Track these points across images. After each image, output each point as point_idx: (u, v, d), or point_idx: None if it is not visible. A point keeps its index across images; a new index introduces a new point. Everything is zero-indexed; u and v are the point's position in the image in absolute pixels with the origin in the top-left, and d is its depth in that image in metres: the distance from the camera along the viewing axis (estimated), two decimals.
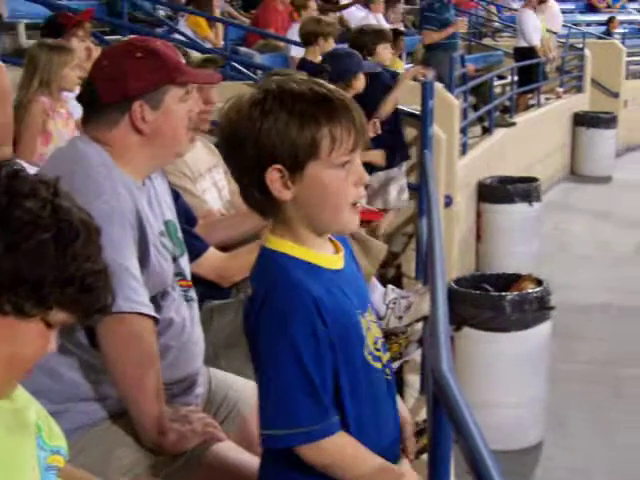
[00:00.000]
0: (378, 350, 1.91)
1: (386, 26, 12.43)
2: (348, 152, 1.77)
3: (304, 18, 8.59)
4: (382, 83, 5.91)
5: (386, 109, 5.73)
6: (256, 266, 1.86)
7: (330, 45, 6.69)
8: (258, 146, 1.74)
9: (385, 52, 6.36)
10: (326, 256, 1.86)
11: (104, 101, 2.42)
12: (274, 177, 1.75)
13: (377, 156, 5.59)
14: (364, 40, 6.32)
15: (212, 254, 3.12)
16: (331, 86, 1.81)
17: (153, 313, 2.31)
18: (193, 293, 2.60)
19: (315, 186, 1.77)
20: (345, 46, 6.21)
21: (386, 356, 1.96)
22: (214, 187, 3.66)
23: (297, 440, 1.78)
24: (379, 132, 5.13)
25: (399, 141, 5.96)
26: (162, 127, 2.43)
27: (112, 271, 1.52)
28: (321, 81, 1.82)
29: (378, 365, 1.91)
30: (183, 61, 2.52)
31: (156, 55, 2.45)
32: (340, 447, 1.82)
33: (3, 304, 1.40)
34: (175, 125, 2.45)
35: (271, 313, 1.76)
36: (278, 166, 1.74)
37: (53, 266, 1.40)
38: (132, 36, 3.74)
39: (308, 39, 6.84)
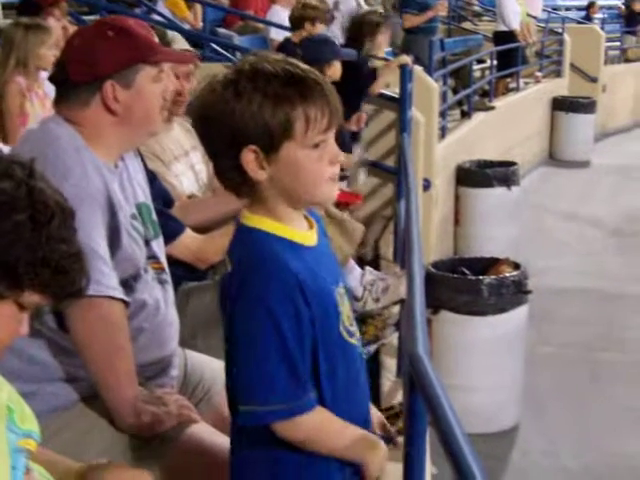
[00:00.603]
0: (352, 325, 1.92)
1: (365, 8, 12.41)
2: (322, 132, 1.77)
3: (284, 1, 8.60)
4: (363, 71, 5.91)
5: (374, 93, 5.79)
6: (234, 243, 1.85)
7: (317, 29, 6.69)
8: (232, 128, 1.73)
9: (385, 40, 6.44)
10: (302, 233, 1.86)
11: (75, 81, 2.40)
12: (249, 158, 1.75)
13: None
14: (364, 28, 6.37)
15: (188, 236, 3.11)
16: (305, 66, 1.80)
17: (122, 296, 2.30)
18: (167, 276, 2.59)
19: (290, 166, 1.77)
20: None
21: (358, 332, 1.96)
22: (190, 170, 3.63)
23: (276, 416, 1.77)
24: (363, 126, 5.15)
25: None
26: (134, 107, 2.41)
27: None
28: (295, 61, 1.81)
29: (353, 341, 1.91)
30: (156, 40, 2.49)
31: (128, 34, 2.43)
32: (317, 423, 1.82)
33: None
34: (148, 105, 2.43)
35: (252, 291, 1.75)
36: (253, 147, 1.74)
37: (28, 247, 1.38)
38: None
39: (296, 24, 6.87)
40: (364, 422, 1.98)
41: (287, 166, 1.76)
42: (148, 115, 2.44)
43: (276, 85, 1.73)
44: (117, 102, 2.40)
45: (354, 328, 1.93)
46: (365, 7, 12.80)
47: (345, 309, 1.89)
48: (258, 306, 1.73)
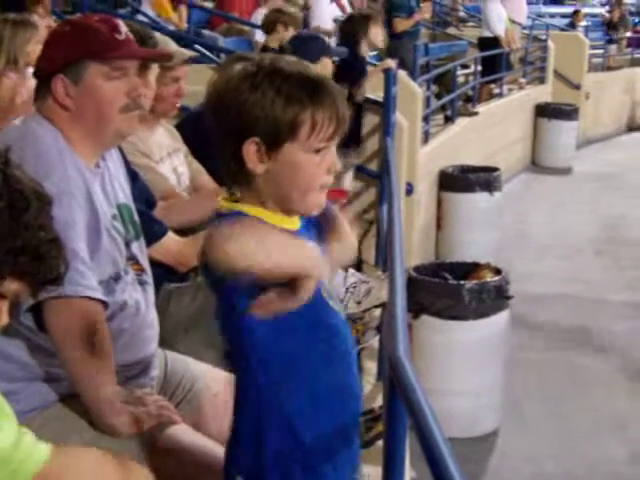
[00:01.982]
0: (331, 298, 1.91)
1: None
2: (326, 139, 1.79)
3: (270, 4, 8.64)
4: (354, 69, 5.93)
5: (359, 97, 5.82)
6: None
7: (289, 33, 6.77)
8: (241, 117, 1.76)
9: (379, 34, 6.45)
10: (286, 220, 1.85)
11: (36, 76, 2.44)
12: (251, 149, 1.77)
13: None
14: (355, 23, 6.41)
15: (170, 238, 3.10)
16: (319, 73, 1.84)
17: (100, 296, 2.29)
18: (147, 277, 2.58)
19: (288, 166, 1.79)
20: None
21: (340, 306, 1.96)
22: (173, 173, 3.63)
23: None
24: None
25: (358, 127, 6.00)
26: (85, 104, 2.39)
27: None
28: (311, 67, 1.84)
29: (333, 305, 1.90)
30: (121, 38, 2.43)
31: (81, 29, 2.42)
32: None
33: None
34: (99, 102, 2.40)
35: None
36: (256, 139, 1.77)
37: (6, 235, 1.38)
38: None
39: (269, 27, 7.02)
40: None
41: (285, 165, 1.79)
42: (101, 114, 2.40)
43: (291, 85, 1.77)
44: (69, 98, 2.39)
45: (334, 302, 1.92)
46: (349, 11, 12.84)
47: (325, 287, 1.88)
48: None
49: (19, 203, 1.40)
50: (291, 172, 1.79)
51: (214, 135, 1.84)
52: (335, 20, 9.59)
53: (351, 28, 6.48)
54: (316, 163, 1.80)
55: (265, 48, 6.79)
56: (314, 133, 1.78)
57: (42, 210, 1.44)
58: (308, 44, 5.23)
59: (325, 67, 5.22)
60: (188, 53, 3.76)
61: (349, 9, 12.76)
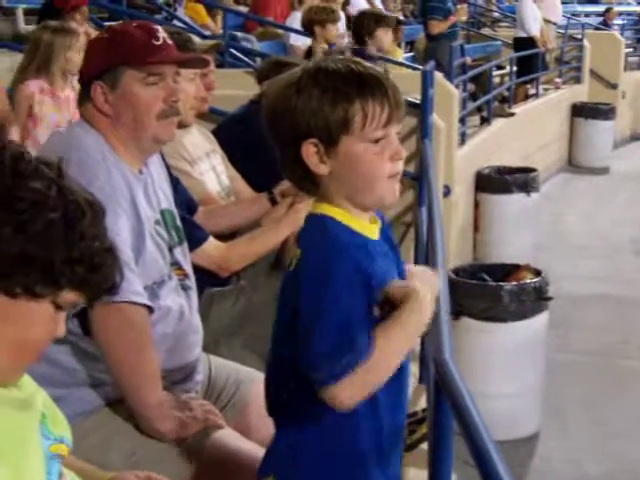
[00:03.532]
0: None
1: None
2: (382, 127, 1.78)
3: (305, 7, 8.62)
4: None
5: None
6: (302, 231, 1.86)
7: (328, 31, 6.72)
8: (294, 123, 1.77)
9: (385, 37, 6.37)
10: (365, 224, 1.85)
11: (79, 82, 2.45)
12: (310, 152, 1.78)
13: None
14: (364, 22, 6.33)
15: (211, 244, 3.10)
16: (367, 63, 1.83)
17: (146, 301, 2.30)
18: (191, 282, 2.59)
19: (349, 161, 1.79)
20: None
21: None
22: (212, 171, 3.64)
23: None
24: None
25: None
26: (122, 109, 2.41)
27: None
28: (358, 59, 1.85)
29: None
30: (158, 43, 2.43)
31: (118, 36, 2.43)
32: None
33: (14, 287, 1.39)
34: (136, 108, 2.41)
35: (318, 274, 1.72)
36: (314, 140, 1.77)
37: (62, 246, 1.39)
38: None
39: (308, 30, 6.91)
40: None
41: (346, 160, 1.78)
42: (137, 119, 2.41)
43: (335, 81, 1.77)
44: (108, 104, 2.41)
45: None
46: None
47: None
48: (323, 290, 1.71)
49: (74, 213, 1.42)
50: (353, 165, 1.79)
51: (274, 145, 1.84)
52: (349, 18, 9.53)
53: (359, 27, 6.44)
54: (377, 152, 1.79)
55: (310, 51, 6.74)
56: (367, 123, 1.76)
57: (96, 219, 1.46)
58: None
59: None
60: (208, 43, 3.76)
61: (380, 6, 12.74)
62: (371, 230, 1.86)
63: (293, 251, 1.86)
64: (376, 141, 1.78)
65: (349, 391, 1.69)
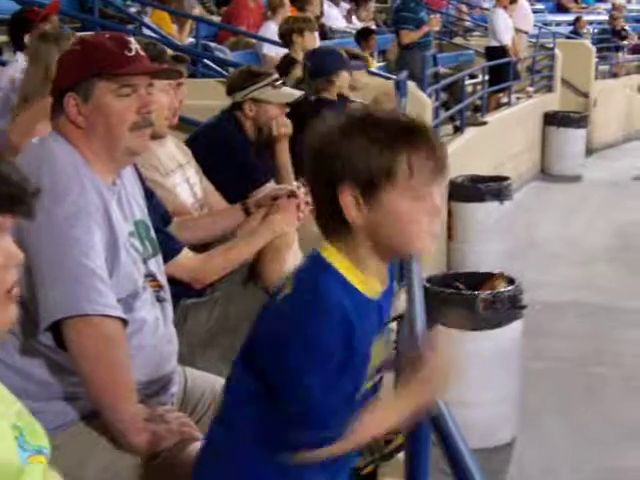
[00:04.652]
0: (378, 371, 1.89)
1: (357, 24, 12.48)
2: (426, 183, 1.74)
3: (278, 17, 8.65)
4: None
5: None
6: (303, 265, 1.82)
7: (307, 40, 6.74)
8: (335, 167, 1.73)
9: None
10: (371, 284, 1.80)
11: (51, 95, 2.45)
12: (348, 199, 1.73)
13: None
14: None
15: (186, 255, 3.09)
16: (414, 116, 1.80)
17: (121, 314, 2.29)
18: (166, 293, 2.58)
19: (389, 214, 1.73)
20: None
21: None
22: (186, 183, 3.63)
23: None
24: None
25: None
26: (95, 121, 2.39)
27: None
28: (406, 112, 1.86)
29: (368, 385, 1.86)
30: (130, 54, 2.41)
31: (89, 47, 2.43)
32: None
33: None
34: (109, 120, 2.39)
35: (305, 329, 1.70)
36: (353, 188, 1.72)
37: None
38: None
39: (285, 39, 6.96)
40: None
41: (385, 213, 1.73)
42: (110, 130, 2.40)
43: (383, 131, 1.72)
44: (80, 115, 2.39)
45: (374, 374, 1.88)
46: (357, 23, 12.87)
47: (375, 360, 1.84)
48: (307, 345, 1.69)
49: None
50: (392, 220, 1.74)
51: (311, 185, 1.81)
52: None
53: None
54: (416, 209, 1.74)
55: (291, 61, 6.75)
56: (412, 178, 1.72)
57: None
58: (325, 58, 5.24)
59: (344, 80, 5.22)
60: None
61: (355, 21, 12.80)
62: (372, 289, 1.81)
63: (287, 278, 1.80)
64: (417, 197, 1.73)
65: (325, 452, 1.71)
